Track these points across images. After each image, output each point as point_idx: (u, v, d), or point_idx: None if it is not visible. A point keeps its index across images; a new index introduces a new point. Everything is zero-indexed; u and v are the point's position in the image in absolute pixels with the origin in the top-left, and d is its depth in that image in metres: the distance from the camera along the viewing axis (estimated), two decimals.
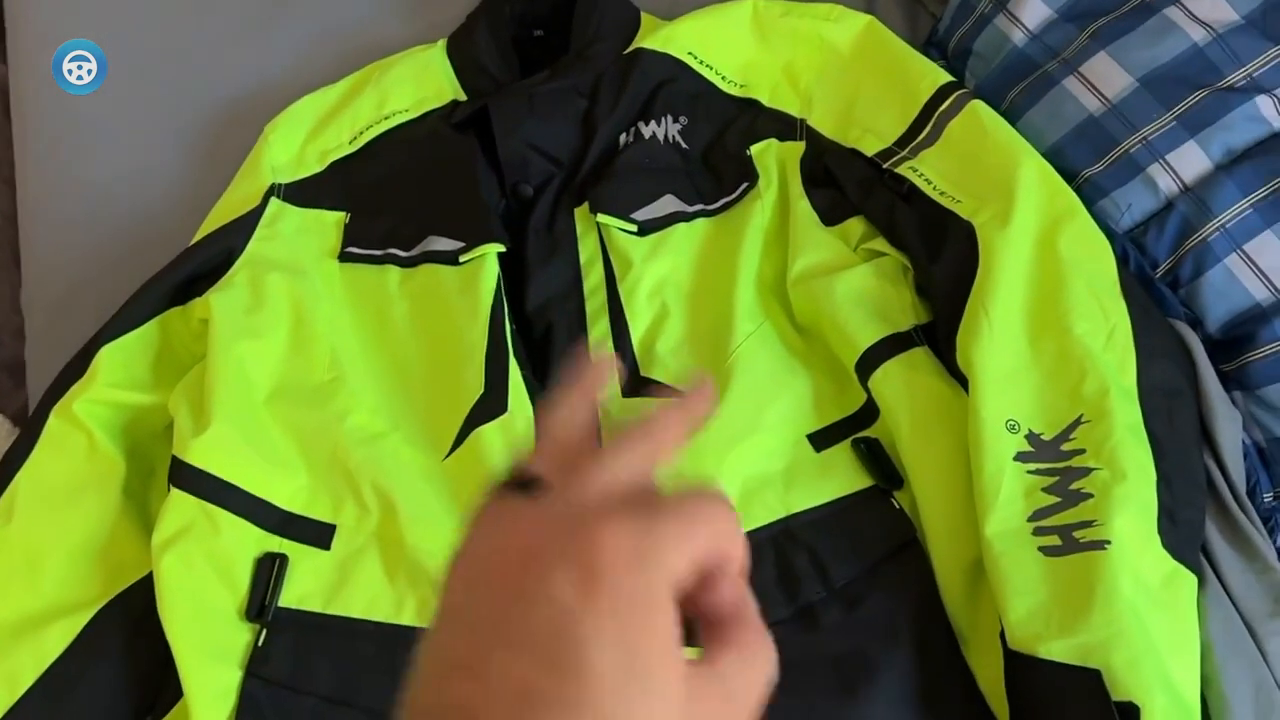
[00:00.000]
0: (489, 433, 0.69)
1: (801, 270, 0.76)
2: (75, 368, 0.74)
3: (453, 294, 0.76)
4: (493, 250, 0.77)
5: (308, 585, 0.68)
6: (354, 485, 0.70)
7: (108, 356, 0.73)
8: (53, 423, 0.72)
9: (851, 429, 0.72)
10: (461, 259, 0.77)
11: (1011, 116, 0.77)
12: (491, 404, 0.70)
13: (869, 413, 0.72)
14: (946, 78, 0.79)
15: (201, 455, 0.68)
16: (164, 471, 0.74)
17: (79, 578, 0.69)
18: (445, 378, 0.74)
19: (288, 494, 0.70)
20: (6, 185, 1.16)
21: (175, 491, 0.68)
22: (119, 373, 0.73)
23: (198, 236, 0.82)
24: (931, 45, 0.89)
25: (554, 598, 0.26)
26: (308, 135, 0.87)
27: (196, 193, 0.90)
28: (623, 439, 0.33)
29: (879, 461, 0.70)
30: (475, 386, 0.71)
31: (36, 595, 0.68)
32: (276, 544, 0.69)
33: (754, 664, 0.30)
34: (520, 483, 0.32)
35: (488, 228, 0.78)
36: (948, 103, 0.77)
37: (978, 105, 0.76)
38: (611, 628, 0.26)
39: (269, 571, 0.67)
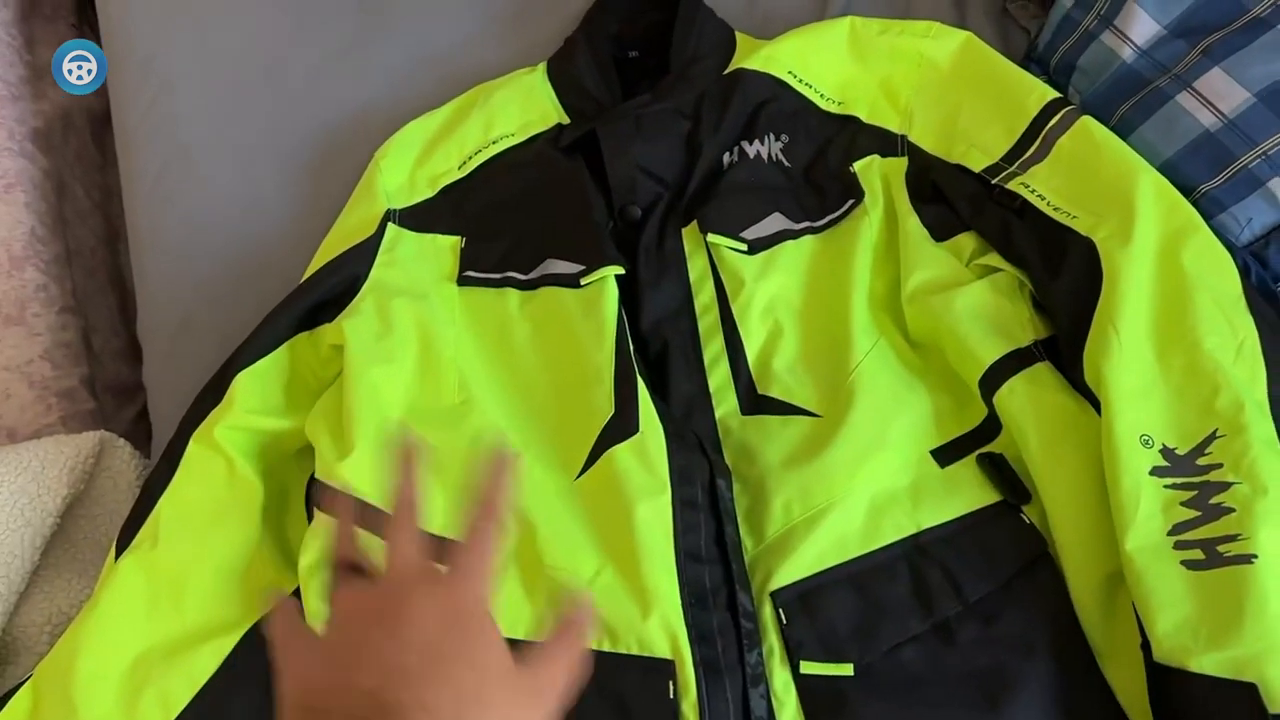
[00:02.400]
0: (622, 453, 0.70)
1: (916, 286, 0.77)
2: (211, 395, 0.76)
3: (576, 316, 0.77)
4: (612, 272, 0.78)
5: None
6: None
7: (244, 383, 0.75)
8: (193, 449, 0.74)
9: (974, 444, 0.73)
10: (583, 281, 0.78)
11: (1122, 132, 0.77)
12: (623, 424, 0.71)
13: (991, 427, 0.73)
14: (1053, 93, 0.79)
15: (346, 479, 0.70)
16: (297, 494, 0.77)
17: (223, 600, 0.71)
18: (572, 398, 0.75)
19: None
20: (98, 209, 1.18)
21: (320, 515, 0.70)
22: (254, 399, 0.75)
23: (315, 262, 0.84)
24: (1031, 60, 0.90)
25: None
26: (417, 160, 0.88)
27: (302, 215, 0.93)
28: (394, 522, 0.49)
29: (1005, 476, 0.71)
30: (605, 408, 0.72)
31: (183, 618, 0.70)
32: None
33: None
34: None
35: (605, 250, 0.79)
36: (1057, 118, 0.78)
37: (1088, 121, 0.77)
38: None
39: None
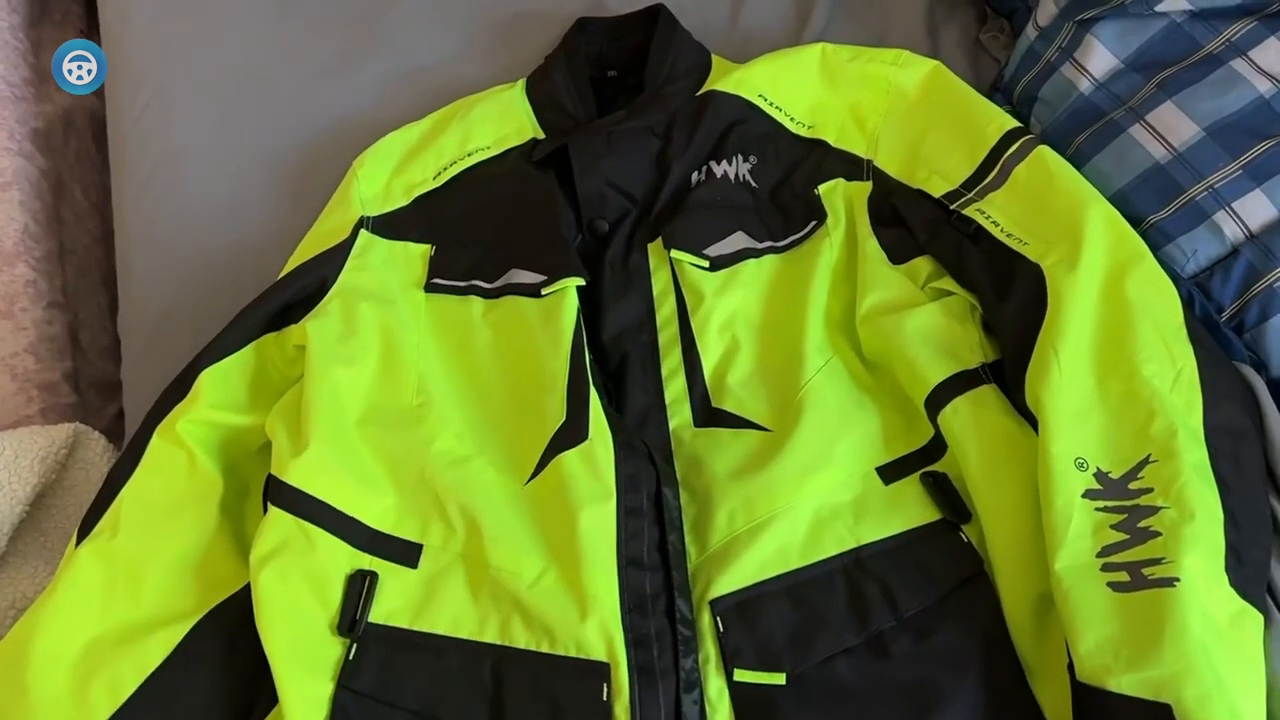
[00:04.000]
0: (570, 459, 0.72)
1: (870, 307, 0.78)
2: (176, 390, 0.78)
3: (535, 325, 0.79)
4: (573, 284, 0.80)
5: (396, 602, 0.71)
6: (441, 506, 0.73)
7: (209, 379, 0.77)
8: (156, 442, 0.75)
9: (920, 463, 0.74)
10: (543, 291, 0.80)
11: (1077, 162, 0.79)
12: (573, 431, 0.73)
13: (937, 447, 0.74)
14: (1013, 123, 0.81)
15: (300, 476, 0.72)
16: (257, 489, 0.78)
17: (178, 590, 0.72)
18: (527, 405, 0.77)
19: (377, 513, 0.73)
20: (95, 210, 1.21)
21: (273, 509, 0.71)
22: (218, 395, 0.77)
23: (289, 265, 0.86)
24: (996, 91, 0.91)
25: None
26: (394, 170, 0.91)
27: (285, 221, 0.95)
28: None
29: (947, 495, 0.72)
30: (557, 414, 0.74)
31: (138, 606, 0.71)
32: (367, 561, 0.72)
33: None
34: None
35: (568, 262, 0.81)
36: (1014, 147, 0.79)
37: (1044, 150, 0.78)
38: None
39: (360, 588, 0.70)
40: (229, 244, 0.96)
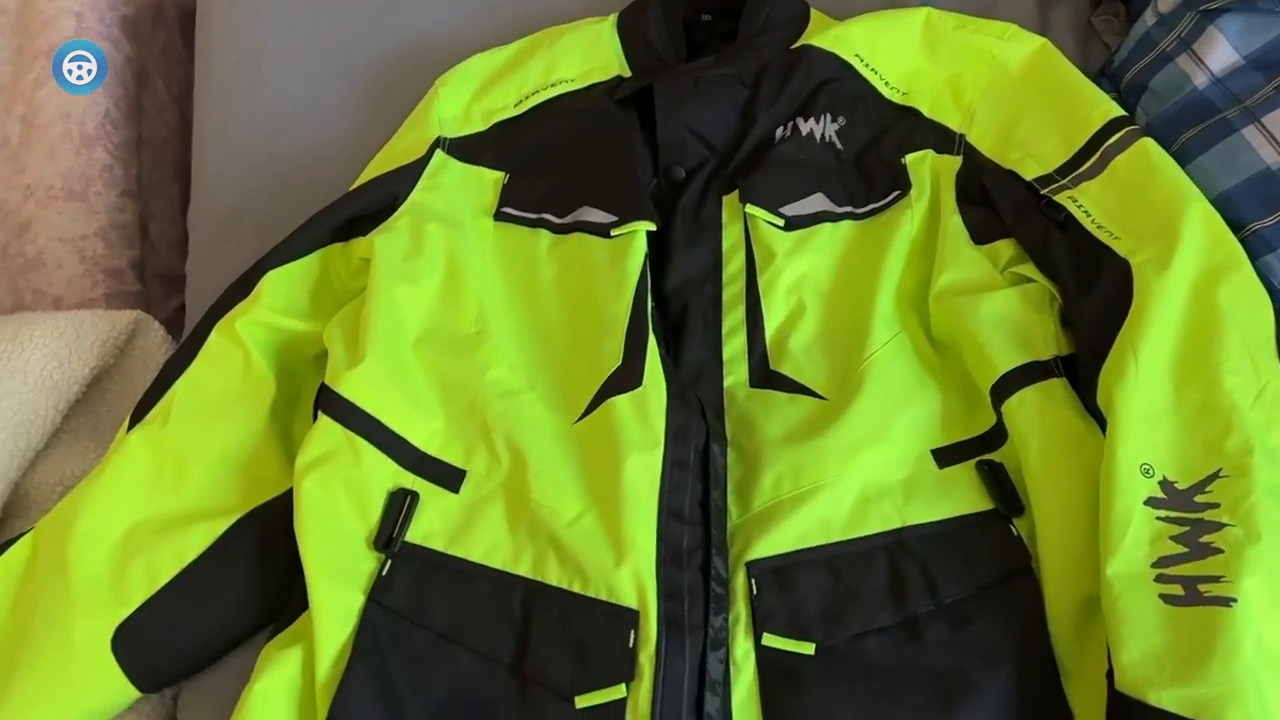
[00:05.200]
0: (621, 404, 0.71)
1: (946, 285, 0.76)
2: (240, 288, 0.78)
3: (601, 265, 0.78)
4: (643, 227, 0.78)
5: (434, 524, 0.71)
6: (488, 435, 0.73)
7: (272, 281, 0.77)
8: (214, 338, 0.76)
9: (977, 450, 0.72)
10: (613, 232, 0.79)
11: (1181, 159, 0.75)
12: (627, 376, 0.72)
13: (997, 435, 0.72)
14: (1118, 111, 0.78)
15: (352, 387, 0.72)
16: (309, 396, 0.79)
17: (221, 486, 0.73)
18: (585, 344, 0.76)
19: (425, 435, 0.73)
20: (175, 103, 1.22)
21: (323, 418, 0.72)
22: (280, 298, 0.77)
23: (363, 177, 0.85)
24: (1104, 76, 0.88)
25: None
26: (475, 93, 0.89)
27: (361, 133, 0.94)
28: None
29: (1002, 486, 0.70)
30: (613, 357, 0.73)
31: (181, 497, 0.72)
32: (410, 481, 0.72)
33: None
34: None
35: (641, 205, 0.80)
36: (1117, 136, 0.76)
37: (1148, 143, 0.75)
38: None
39: (400, 506, 0.70)
40: (304, 149, 0.96)
